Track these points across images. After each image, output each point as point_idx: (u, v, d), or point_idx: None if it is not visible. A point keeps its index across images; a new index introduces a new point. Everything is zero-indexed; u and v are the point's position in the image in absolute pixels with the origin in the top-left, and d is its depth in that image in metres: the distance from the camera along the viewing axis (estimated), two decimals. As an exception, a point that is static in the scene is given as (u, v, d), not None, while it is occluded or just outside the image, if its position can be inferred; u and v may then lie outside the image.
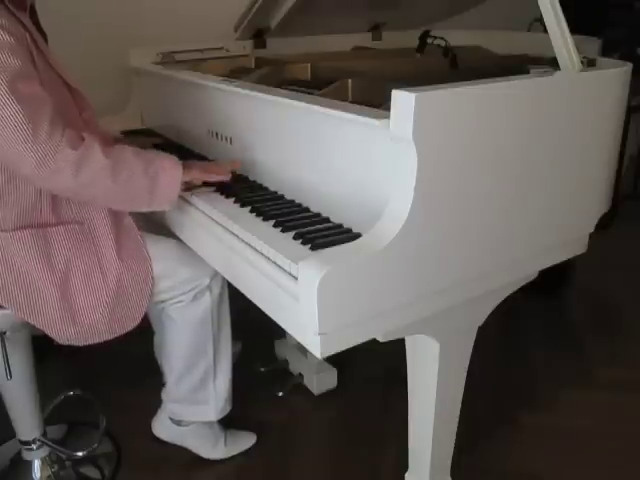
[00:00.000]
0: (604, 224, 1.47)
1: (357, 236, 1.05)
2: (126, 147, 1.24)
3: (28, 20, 1.25)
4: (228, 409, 1.61)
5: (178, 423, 1.63)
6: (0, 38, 1.09)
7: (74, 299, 1.29)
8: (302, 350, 1.88)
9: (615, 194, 1.50)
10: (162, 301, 1.43)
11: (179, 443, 1.65)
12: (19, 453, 1.55)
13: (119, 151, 1.21)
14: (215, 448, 1.64)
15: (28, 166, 1.10)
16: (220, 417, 1.60)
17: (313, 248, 1.05)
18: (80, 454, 1.58)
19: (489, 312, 1.30)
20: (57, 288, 1.28)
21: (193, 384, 1.54)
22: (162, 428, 1.67)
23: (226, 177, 1.35)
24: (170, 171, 1.25)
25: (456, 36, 2.00)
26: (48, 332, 1.30)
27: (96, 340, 1.34)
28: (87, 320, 1.30)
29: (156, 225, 1.48)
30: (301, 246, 1.07)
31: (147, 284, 1.36)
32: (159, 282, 1.38)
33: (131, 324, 1.36)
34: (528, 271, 1.31)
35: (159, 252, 1.39)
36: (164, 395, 1.62)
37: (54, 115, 1.13)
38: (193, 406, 1.57)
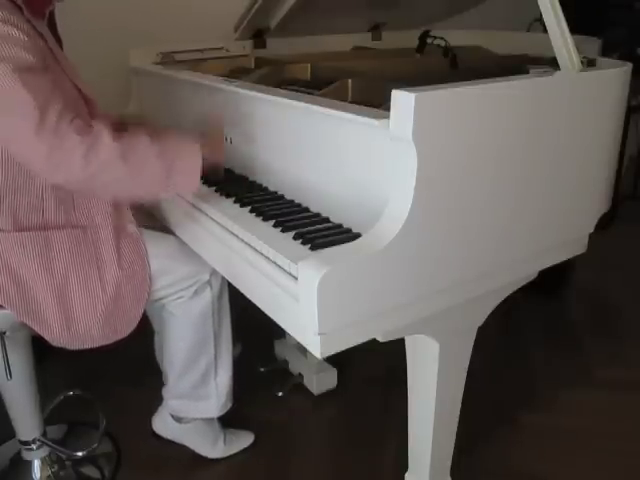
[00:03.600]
0: (604, 224, 1.47)
1: (357, 236, 1.05)
2: (139, 131, 1.22)
3: (44, 27, 1.26)
4: (229, 405, 1.61)
5: (179, 420, 1.63)
6: (15, 35, 1.10)
7: (70, 303, 1.29)
8: (302, 350, 1.88)
9: (615, 194, 1.50)
10: (162, 298, 1.43)
11: (179, 441, 1.65)
12: (19, 453, 1.55)
13: (131, 135, 1.19)
14: (214, 447, 1.64)
15: (38, 157, 1.09)
16: (221, 413, 1.60)
17: (313, 248, 1.05)
18: (80, 454, 1.58)
19: (489, 312, 1.30)
20: (54, 291, 1.28)
21: (194, 380, 1.54)
22: (162, 425, 1.67)
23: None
24: (189, 150, 1.22)
25: (456, 36, 2.00)
26: (42, 334, 1.30)
27: (89, 345, 1.34)
28: (81, 325, 1.30)
29: (156, 221, 1.48)
30: (301, 246, 1.07)
31: (144, 293, 1.36)
32: (159, 279, 1.38)
33: (125, 331, 1.36)
34: (528, 271, 1.31)
35: (159, 249, 1.39)
36: (165, 392, 1.61)
37: (64, 107, 1.12)
38: (195, 402, 1.57)
